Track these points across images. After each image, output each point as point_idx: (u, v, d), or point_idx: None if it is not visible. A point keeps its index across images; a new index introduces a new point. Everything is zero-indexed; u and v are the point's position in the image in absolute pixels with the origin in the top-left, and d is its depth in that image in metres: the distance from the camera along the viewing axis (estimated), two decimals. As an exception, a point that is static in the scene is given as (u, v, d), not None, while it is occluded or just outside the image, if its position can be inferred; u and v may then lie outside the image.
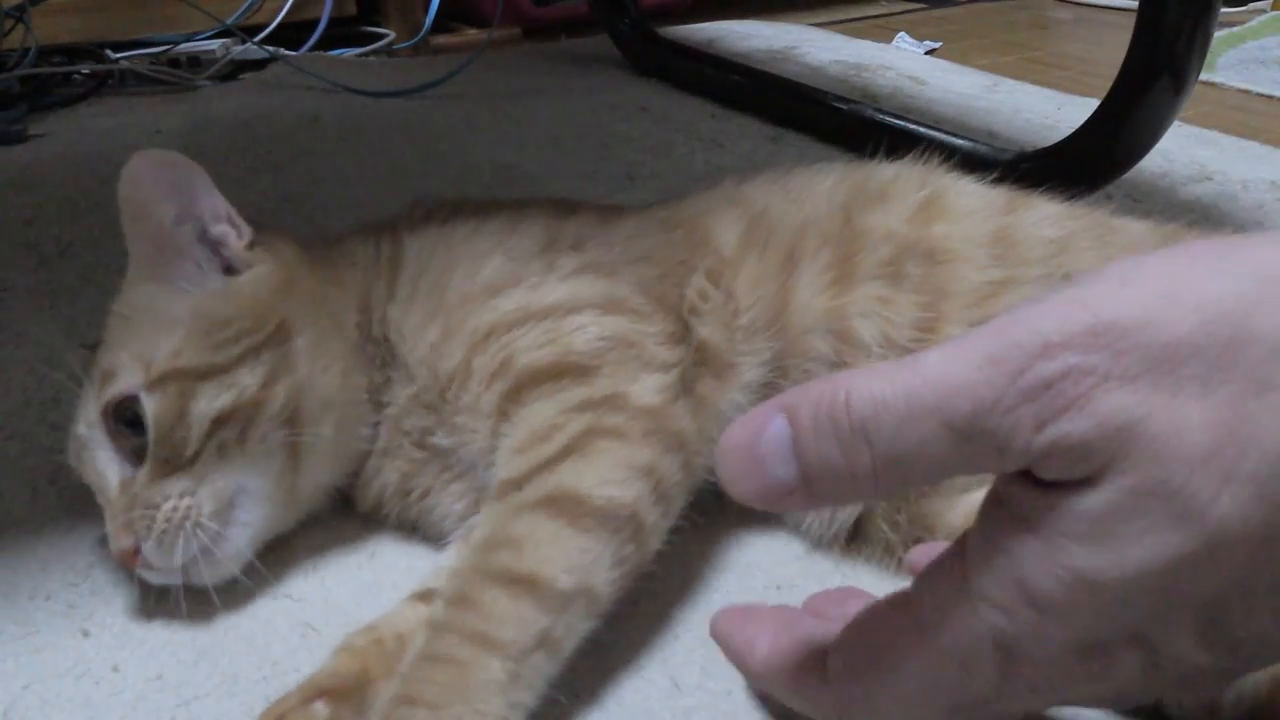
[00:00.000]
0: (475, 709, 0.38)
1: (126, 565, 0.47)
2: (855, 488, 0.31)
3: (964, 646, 0.31)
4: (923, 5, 1.85)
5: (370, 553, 0.53)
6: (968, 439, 0.29)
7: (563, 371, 0.48)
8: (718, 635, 0.42)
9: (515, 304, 0.50)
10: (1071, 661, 0.31)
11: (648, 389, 0.48)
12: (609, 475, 0.44)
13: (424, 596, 0.47)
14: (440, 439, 0.51)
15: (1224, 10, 1.61)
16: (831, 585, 0.49)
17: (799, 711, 0.38)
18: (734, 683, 0.44)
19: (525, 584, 0.41)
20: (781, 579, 0.50)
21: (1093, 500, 0.28)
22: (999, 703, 0.32)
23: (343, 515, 0.55)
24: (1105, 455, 0.28)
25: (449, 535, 0.51)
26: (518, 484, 0.44)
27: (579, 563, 0.42)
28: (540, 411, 0.47)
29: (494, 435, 0.48)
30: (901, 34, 1.56)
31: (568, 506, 0.43)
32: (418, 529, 0.53)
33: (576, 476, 0.44)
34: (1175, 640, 0.30)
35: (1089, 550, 0.29)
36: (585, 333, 0.49)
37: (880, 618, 0.35)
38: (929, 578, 0.33)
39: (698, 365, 0.51)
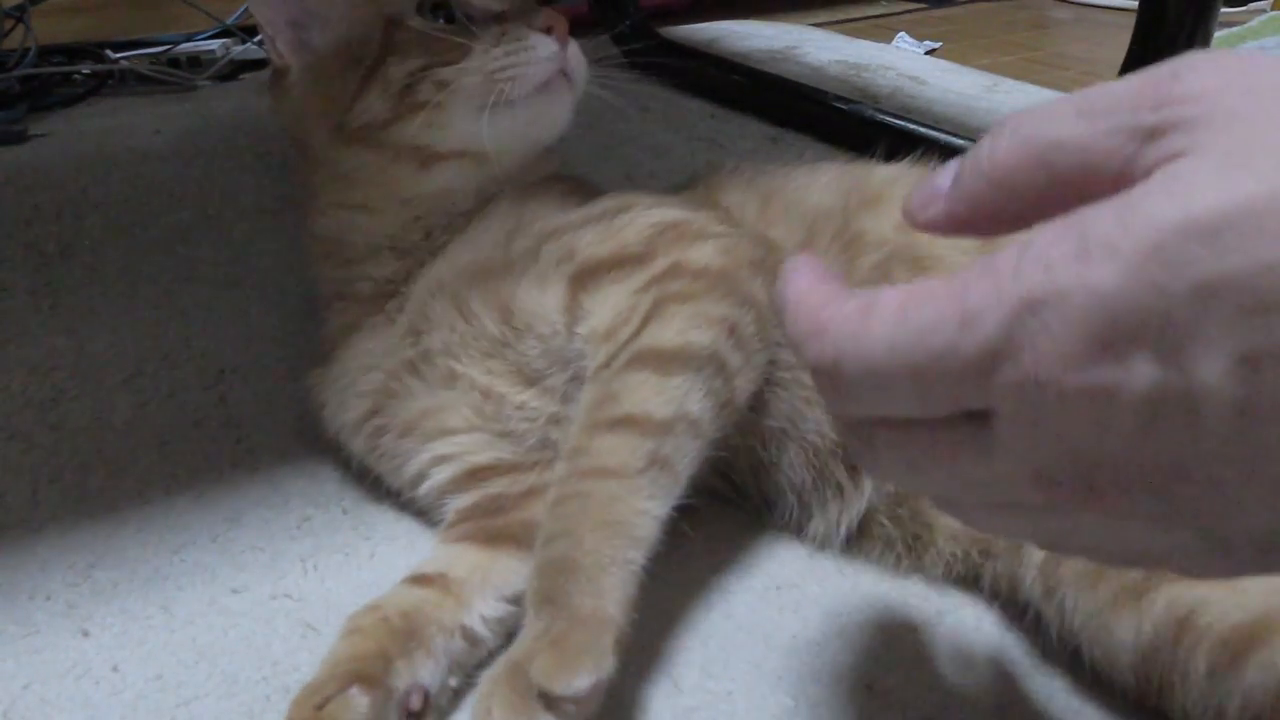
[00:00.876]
0: (604, 521, 0.42)
1: None
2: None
3: None
4: (923, 5, 1.85)
5: (369, 553, 0.53)
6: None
7: (622, 261, 0.51)
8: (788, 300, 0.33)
9: (578, 215, 0.54)
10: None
11: (704, 253, 0.51)
12: (683, 326, 0.48)
13: (420, 580, 0.47)
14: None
15: (1224, 10, 1.62)
16: (833, 585, 0.49)
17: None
18: (734, 683, 0.44)
19: (626, 423, 0.45)
20: (782, 579, 0.50)
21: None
22: None
23: (341, 517, 0.55)
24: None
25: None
26: (607, 364, 0.48)
27: (671, 397, 0.45)
28: (610, 299, 0.50)
29: (567, 329, 0.51)
30: (901, 34, 1.56)
31: (651, 359, 0.47)
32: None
33: (654, 337, 0.47)
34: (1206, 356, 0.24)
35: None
36: (635, 225, 0.53)
37: None
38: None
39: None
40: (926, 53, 1.50)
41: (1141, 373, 0.25)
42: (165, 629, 0.48)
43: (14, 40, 1.27)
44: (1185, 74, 0.27)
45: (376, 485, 0.56)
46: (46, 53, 1.31)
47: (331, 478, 0.58)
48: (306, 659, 0.46)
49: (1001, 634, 0.47)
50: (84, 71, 1.32)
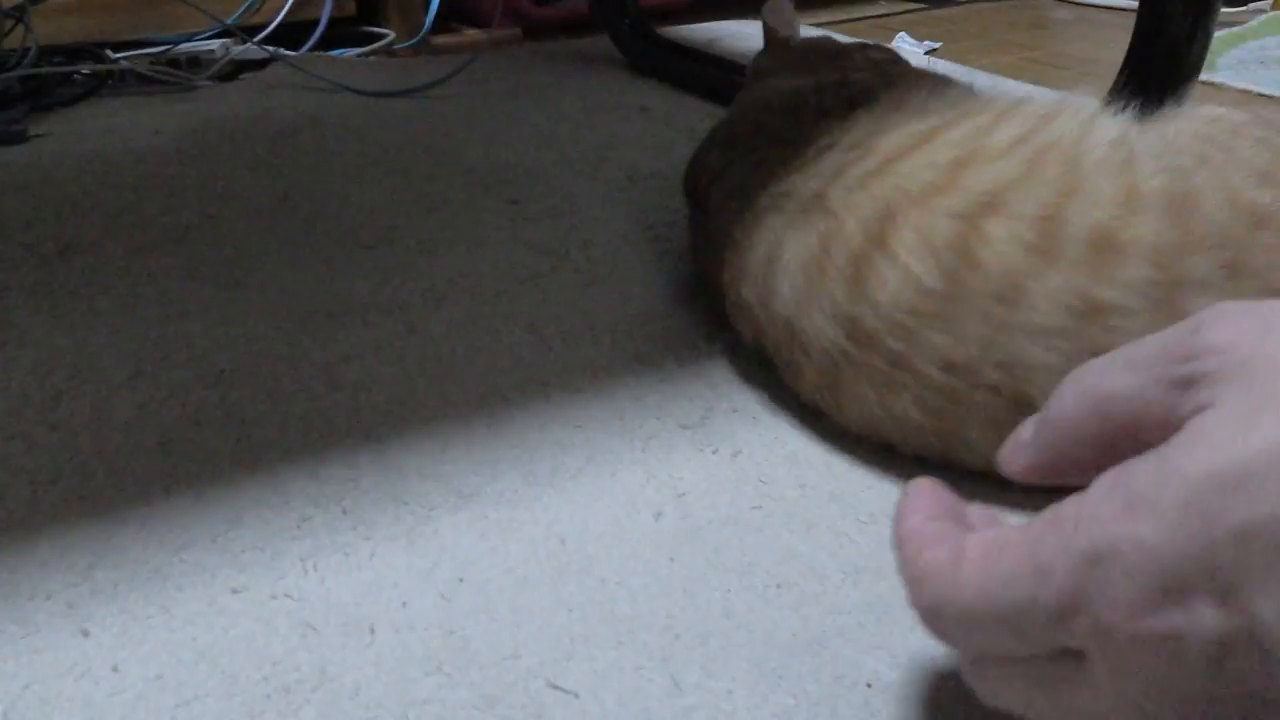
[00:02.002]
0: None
1: None
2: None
3: None
4: (923, 5, 1.85)
5: (370, 553, 0.53)
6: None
7: None
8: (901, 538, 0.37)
9: None
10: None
11: None
12: None
13: None
14: None
15: (1224, 10, 1.62)
16: (834, 584, 0.49)
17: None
18: (734, 682, 0.44)
19: None
20: (782, 578, 0.50)
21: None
22: None
23: (341, 517, 0.55)
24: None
25: None
26: None
27: None
28: None
29: None
30: (902, 34, 1.56)
31: None
32: None
33: None
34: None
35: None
36: None
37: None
38: None
39: None
40: (926, 53, 1.50)
41: (1205, 615, 0.27)
42: (165, 629, 0.48)
43: (14, 40, 1.27)
44: (1206, 327, 0.30)
45: (380, 485, 0.56)
46: (46, 53, 1.31)
47: (332, 478, 0.58)
48: (306, 659, 0.46)
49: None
50: (84, 71, 1.32)
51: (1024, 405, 0.50)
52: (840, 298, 0.55)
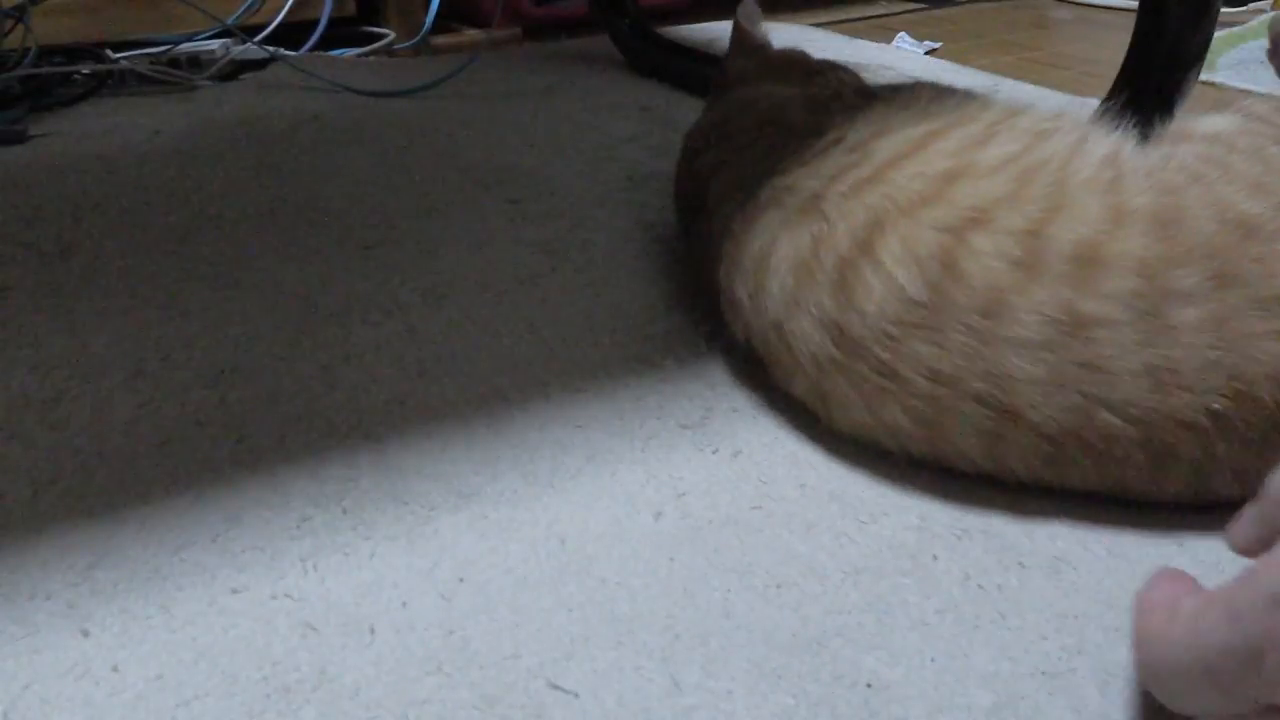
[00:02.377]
0: None
1: None
2: None
3: None
4: (923, 5, 1.85)
5: (370, 553, 0.53)
6: None
7: None
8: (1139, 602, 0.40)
9: None
10: None
11: None
12: None
13: None
14: None
15: (1224, 10, 1.62)
16: (834, 584, 0.49)
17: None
18: (734, 682, 0.44)
19: None
20: (783, 578, 0.50)
21: None
22: None
23: (341, 517, 0.55)
24: None
25: None
26: None
27: None
28: None
29: None
30: (902, 34, 1.56)
31: None
32: None
33: None
34: None
35: None
36: None
37: None
38: None
39: None
40: (926, 53, 1.50)
41: None
42: (165, 629, 0.48)
43: (14, 40, 1.27)
44: None
45: (379, 485, 0.56)
46: (46, 53, 1.31)
47: (332, 477, 0.58)
48: (306, 659, 0.46)
49: (1004, 633, 0.47)
50: (84, 71, 1.32)
51: (1011, 416, 0.50)
52: (828, 304, 0.55)
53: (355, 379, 0.67)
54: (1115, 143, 0.58)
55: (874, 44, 1.50)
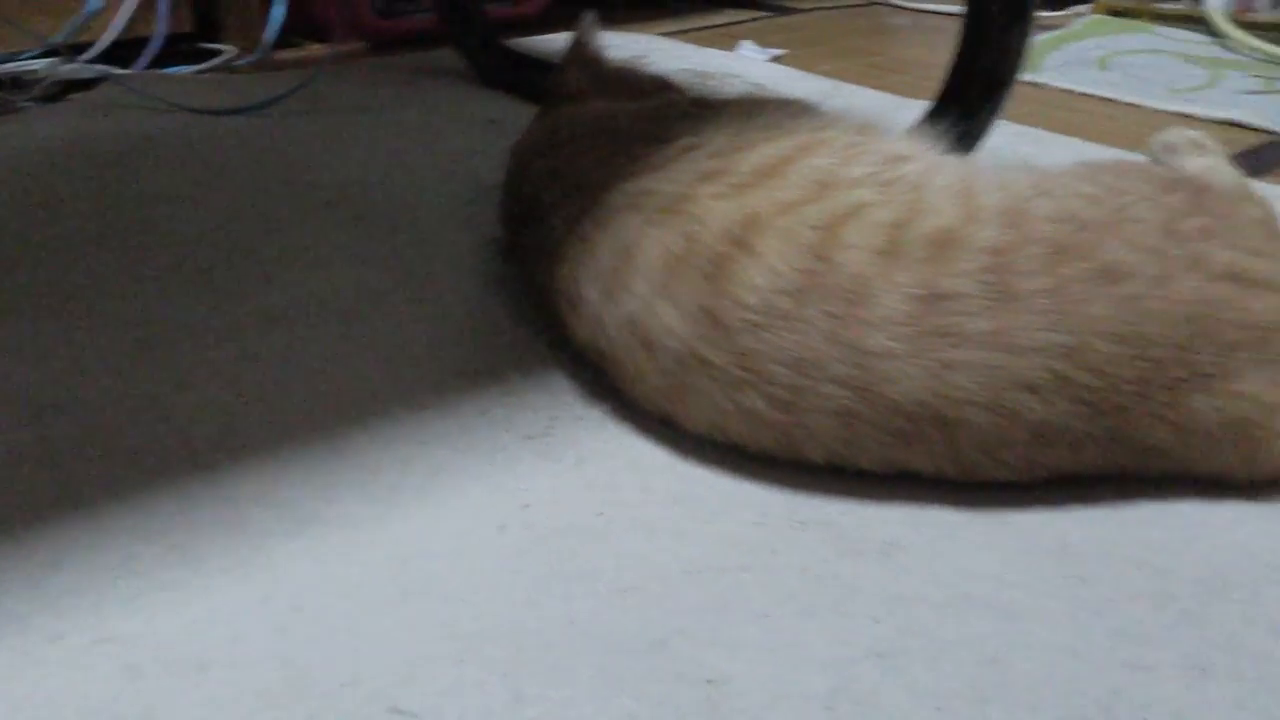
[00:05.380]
0: None
1: None
2: None
3: None
4: (767, 13, 1.89)
5: (202, 587, 0.51)
6: None
7: None
8: None
9: None
10: None
11: None
12: None
13: None
14: None
15: (1046, 14, 1.70)
16: (676, 584, 0.50)
17: None
18: (576, 689, 0.44)
19: None
20: (624, 582, 0.50)
21: None
22: None
23: (170, 552, 0.53)
24: None
25: None
26: None
27: None
28: None
29: None
30: (746, 42, 1.59)
31: None
32: None
33: None
34: None
35: None
36: None
37: None
38: None
39: None
40: (770, 60, 1.53)
41: None
42: (-23, 682, 0.45)
43: None
44: None
45: (212, 517, 0.54)
46: None
47: (162, 511, 0.55)
48: (131, 703, 0.44)
49: (840, 619, 0.48)
50: (-108, 97, 1.25)
51: (869, 394, 0.53)
52: (703, 292, 0.56)
53: (188, 408, 0.65)
54: (966, 167, 0.64)
55: (720, 52, 1.53)
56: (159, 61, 1.46)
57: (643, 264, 0.59)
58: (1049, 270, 0.53)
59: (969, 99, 0.96)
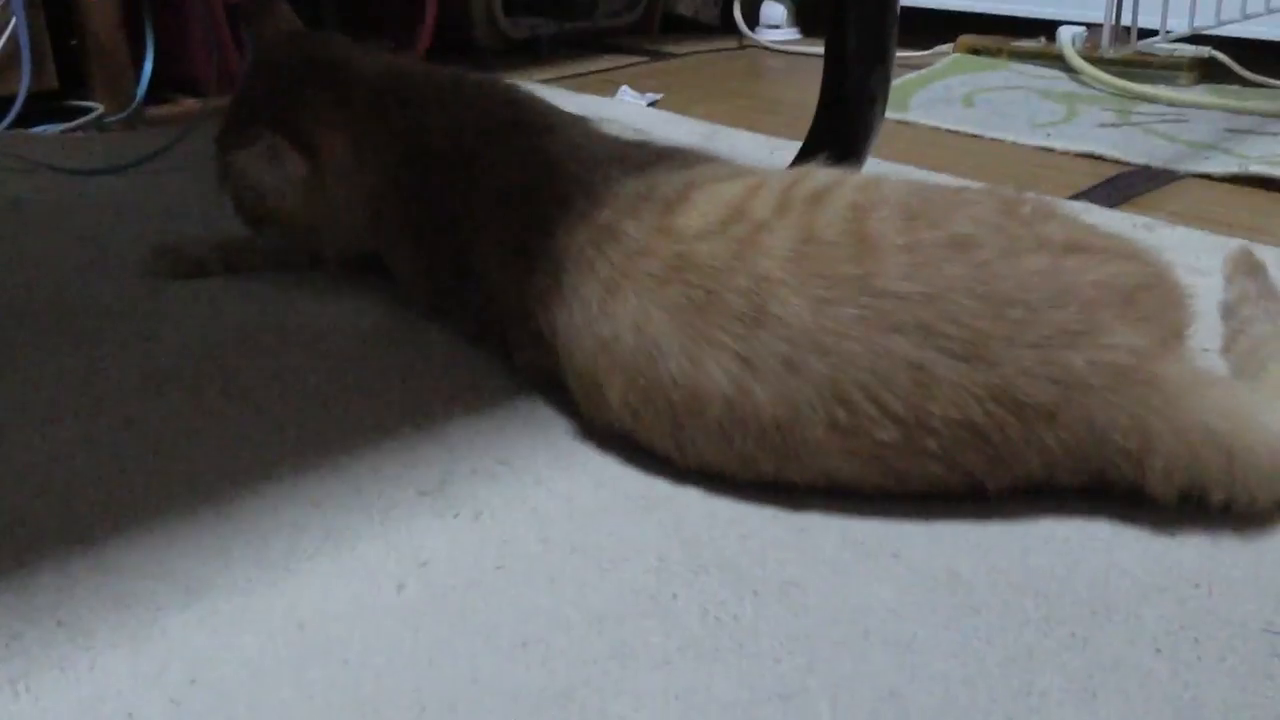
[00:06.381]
0: None
1: None
2: None
3: None
4: (643, 59, 1.93)
5: (90, 665, 0.49)
6: None
7: None
8: None
9: None
10: None
11: None
12: None
13: None
14: None
15: (909, 53, 1.77)
16: (579, 634, 0.50)
17: None
18: None
19: None
20: (528, 635, 0.50)
21: None
22: None
23: (56, 630, 0.51)
24: None
25: None
26: None
27: None
28: None
29: None
30: (624, 88, 1.62)
31: None
32: None
33: None
34: None
35: None
36: None
37: None
38: None
39: None
40: (649, 104, 1.56)
41: None
42: None
43: None
44: None
45: (98, 590, 0.52)
46: None
47: (44, 588, 0.54)
48: (17, 793, 0.42)
49: (742, 661, 0.49)
50: None
51: (765, 318, 0.58)
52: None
53: (66, 480, 0.63)
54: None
55: (599, 98, 1.55)
56: (22, 121, 1.41)
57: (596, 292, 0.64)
58: (905, 231, 0.59)
59: (836, 140, 0.99)
